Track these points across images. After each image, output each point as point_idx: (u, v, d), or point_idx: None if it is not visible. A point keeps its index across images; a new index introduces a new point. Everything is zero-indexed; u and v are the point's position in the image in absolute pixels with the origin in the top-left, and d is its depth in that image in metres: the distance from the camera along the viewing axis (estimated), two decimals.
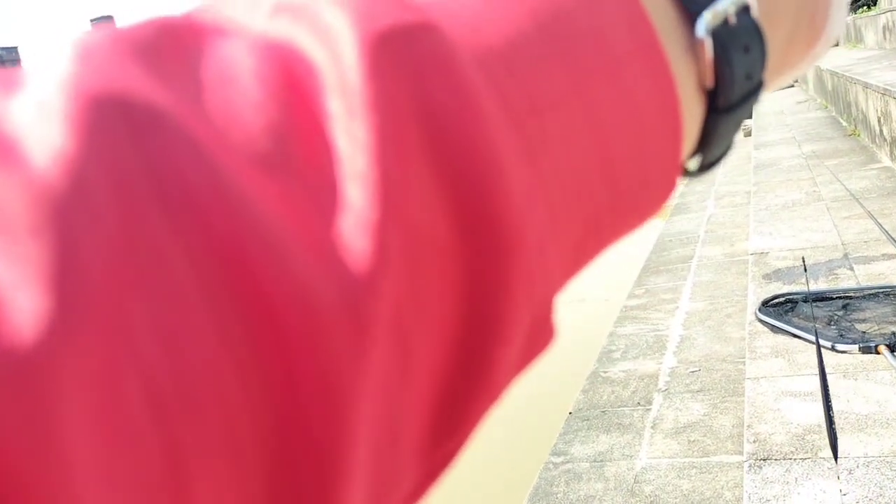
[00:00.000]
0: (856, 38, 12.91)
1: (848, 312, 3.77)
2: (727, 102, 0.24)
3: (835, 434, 2.17)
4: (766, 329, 3.79)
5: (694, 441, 3.37)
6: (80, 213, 0.14)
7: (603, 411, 3.83)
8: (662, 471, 3.20)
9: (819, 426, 2.85)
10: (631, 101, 0.21)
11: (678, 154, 0.23)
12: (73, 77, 0.15)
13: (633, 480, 3.19)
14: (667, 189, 0.24)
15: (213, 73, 0.17)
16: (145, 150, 0.15)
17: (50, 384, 0.12)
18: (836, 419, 2.86)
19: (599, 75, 0.21)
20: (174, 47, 0.17)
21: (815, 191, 6.27)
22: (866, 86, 7.25)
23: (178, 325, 0.14)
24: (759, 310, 3.96)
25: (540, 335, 0.21)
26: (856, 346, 3.34)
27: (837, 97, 9.54)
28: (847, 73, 8.39)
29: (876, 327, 3.53)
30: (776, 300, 4.07)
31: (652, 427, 3.57)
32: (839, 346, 3.37)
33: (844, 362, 3.28)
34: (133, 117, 0.15)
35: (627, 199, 0.23)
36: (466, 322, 0.18)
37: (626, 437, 3.54)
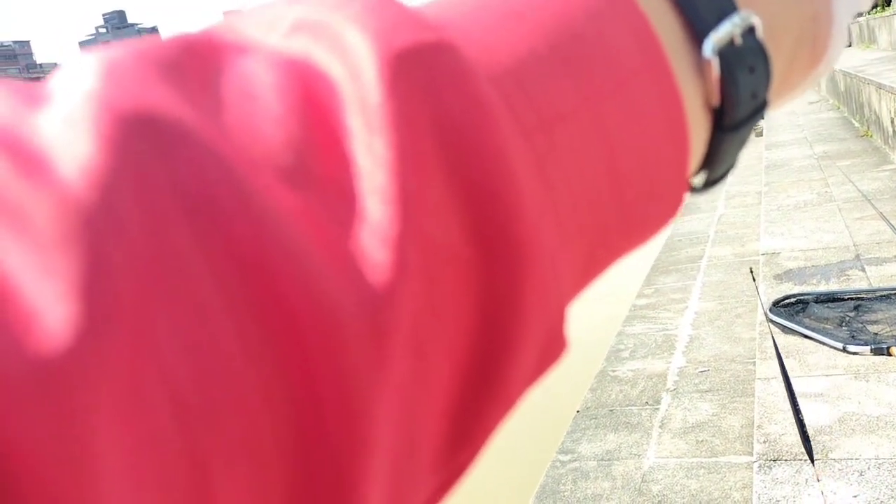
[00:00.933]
0: (869, 38, 12.85)
1: (860, 314, 3.75)
2: (732, 121, 0.25)
3: (807, 435, 2.18)
4: (776, 329, 3.77)
5: (702, 441, 3.35)
6: (107, 226, 0.14)
7: (611, 410, 3.81)
8: (670, 470, 3.19)
9: (830, 427, 2.84)
10: (639, 117, 0.22)
11: (685, 169, 0.24)
12: (99, 93, 0.16)
13: (640, 479, 3.17)
14: (674, 204, 0.25)
15: (234, 89, 0.17)
16: (171, 164, 0.15)
17: (79, 392, 0.13)
18: (848, 420, 2.86)
19: (608, 91, 0.21)
20: (196, 64, 0.17)
21: (826, 191, 6.23)
22: (879, 86, 7.21)
23: (202, 335, 0.14)
24: (770, 310, 3.93)
25: (551, 347, 0.21)
26: (867, 348, 3.32)
27: (850, 98, 9.49)
28: (860, 74, 8.35)
29: (888, 329, 3.51)
30: (787, 300, 4.04)
31: (660, 426, 3.56)
32: (851, 348, 3.35)
33: (856, 364, 3.25)
34: (159, 132, 0.15)
35: (635, 213, 0.23)
36: (481, 333, 0.19)
37: (633, 436, 3.52)
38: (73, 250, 0.13)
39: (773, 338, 2.30)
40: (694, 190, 0.27)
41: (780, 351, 3.53)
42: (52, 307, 0.13)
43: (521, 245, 0.19)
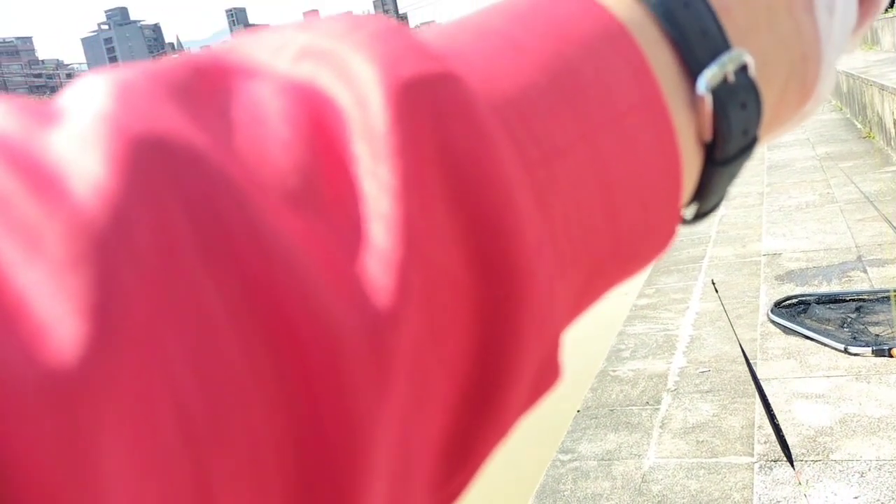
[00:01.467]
0: (872, 40, 12.83)
1: (861, 315, 3.74)
2: (724, 156, 0.26)
3: (784, 441, 2.18)
4: (777, 330, 3.76)
5: (703, 441, 3.35)
6: (119, 245, 0.14)
7: (611, 410, 3.81)
8: (670, 470, 3.18)
9: (831, 428, 2.83)
10: (634, 151, 0.23)
11: (677, 202, 0.25)
12: (111, 114, 0.16)
13: (640, 480, 3.17)
14: (666, 236, 0.25)
15: (243, 114, 0.18)
16: (181, 185, 0.15)
17: (85, 406, 0.13)
18: (849, 422, 2.86)
19: (605, 126, 0.22)
20: (206, 87, 0.18)
21: (828, 193, 6.23)
22: (882, 88, 7.20)
23: (209, 353, 0.15)
24: (772, 311, 3.93)
25: (546, 374, 0.22)
26: (869, 349, 3.31)
27: (853, 99, 9.48)
28: (863, 76, 8.34)
29: (889, 330, 3.50)
30: (789, 301, 4.04)
31: (660, 426, 3.55)
32: (852, 349, 3.35)
33: (857, 365, 3.25)
34: (170, 154, 0.15)
35: (629, 244, 0.23)
36: (479, 359, 0.19)
37: (634, 436, 3.52)
38: (84, 269, 0.14)
39: (740, 345, 2.31)
40: (684, 221, 0.28)
41: (780, 352, 3.52)
42: (62, 323, 0.13)
43: (521, 274, 0.19)
